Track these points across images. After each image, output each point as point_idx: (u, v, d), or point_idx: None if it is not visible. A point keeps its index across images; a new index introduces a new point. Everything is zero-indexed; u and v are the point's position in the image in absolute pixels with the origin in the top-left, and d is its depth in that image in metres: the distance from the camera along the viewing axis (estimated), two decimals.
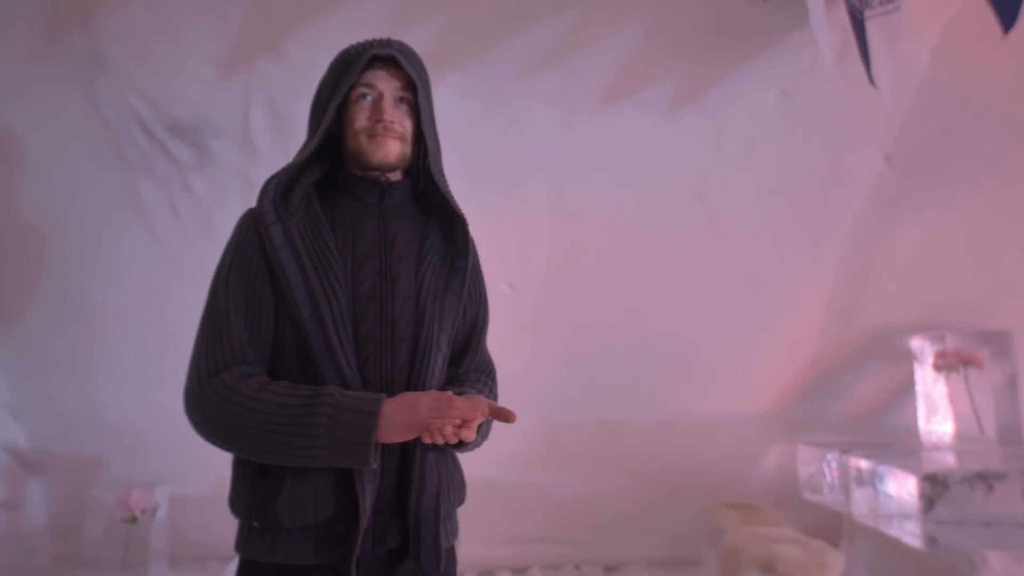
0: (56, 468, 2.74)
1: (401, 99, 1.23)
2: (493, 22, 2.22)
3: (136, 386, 2.61)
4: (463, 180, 1.69)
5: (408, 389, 1.16)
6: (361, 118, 1.20)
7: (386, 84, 1.21)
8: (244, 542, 1.16)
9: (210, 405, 1.08)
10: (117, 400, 2.61)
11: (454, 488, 1.26)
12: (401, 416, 1.06)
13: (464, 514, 1.33)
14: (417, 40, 1.37)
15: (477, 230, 1.31)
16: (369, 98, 1.21)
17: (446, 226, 1.29)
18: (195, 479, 2.65)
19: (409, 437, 1.07)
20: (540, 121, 2.41)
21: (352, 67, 1.19)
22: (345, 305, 1.14)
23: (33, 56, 2.19)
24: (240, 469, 1.18)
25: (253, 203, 1.21)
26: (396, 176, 1.26)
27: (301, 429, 1.04)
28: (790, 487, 2.96)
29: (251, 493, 1.14)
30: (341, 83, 1.20)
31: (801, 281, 2.78)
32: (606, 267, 2.64)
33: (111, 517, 2.38)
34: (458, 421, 1.05)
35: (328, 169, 1.28)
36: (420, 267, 1.23)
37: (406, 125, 1.23)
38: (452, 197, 1.27)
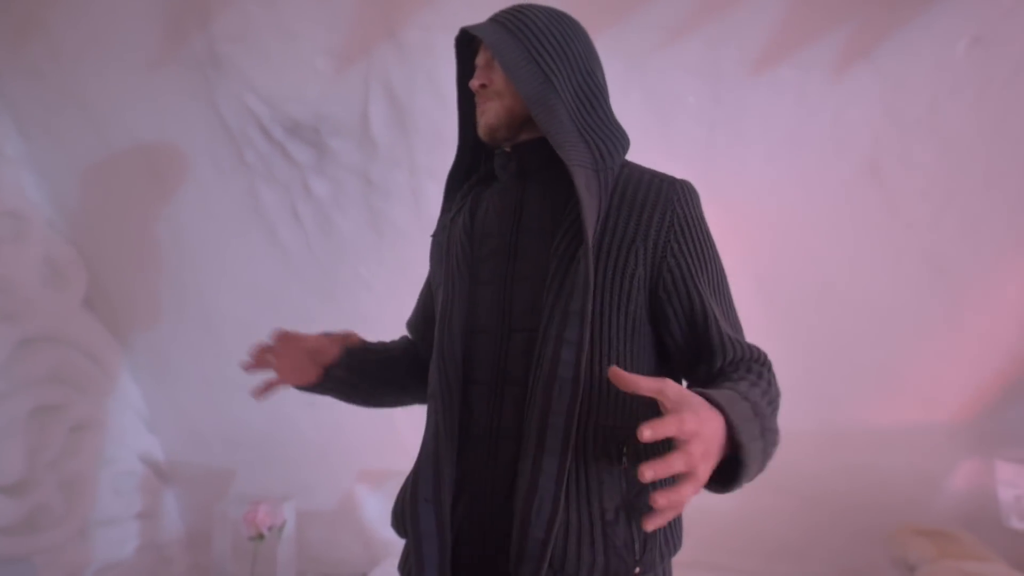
0: (189, 480, 2.74)
1: (490, 61, 1.10)
2: None
3: None
4: None
5: (526, 392, 0.96)
6: None
7: (479, 58, 1.12)
8: None
9: None
10: (245, 412, 2.56)
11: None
12: None
13: None
14: None
15: None
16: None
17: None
18: (322, 494, 2.56)
19: None
20: (684, 95, 2.13)
21: (459, 62, 1.18)
22: (459, 296, 1.04)
23: (156, 64, 2.16)
24: None
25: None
26: (528, 137, 1.09)
27: None
28: (987, 512, 2.50)
29: None
30: (459, 83, 1.18)
31: (997, 268, 2.33)
32: (763, 258, 2.31)
33: (238, 532, 2.31)
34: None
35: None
36: (554, 239, 0.98)
37: (495, 80, 1.08)
38: (571, 144, 1.00)
